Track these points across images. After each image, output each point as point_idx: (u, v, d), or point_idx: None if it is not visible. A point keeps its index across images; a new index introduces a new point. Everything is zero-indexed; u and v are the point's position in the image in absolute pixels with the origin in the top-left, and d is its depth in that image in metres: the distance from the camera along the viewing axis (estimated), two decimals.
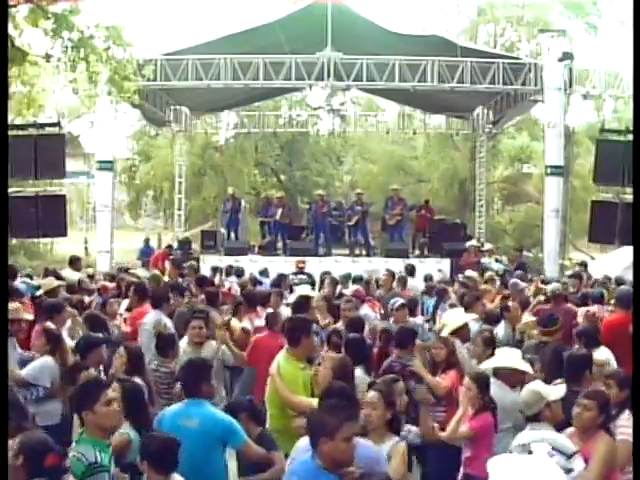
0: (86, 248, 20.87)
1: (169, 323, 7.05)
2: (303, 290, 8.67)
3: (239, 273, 12.40)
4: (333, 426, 3.38)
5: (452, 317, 6.77)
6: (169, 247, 17.53)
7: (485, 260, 15.35)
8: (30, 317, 6.60)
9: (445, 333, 6.24)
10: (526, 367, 5.32)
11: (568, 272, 13.53)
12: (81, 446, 3.79)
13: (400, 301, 7.87)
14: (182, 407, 4.57)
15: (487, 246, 17.43)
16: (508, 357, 5.39)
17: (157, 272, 11.05)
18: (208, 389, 4.64)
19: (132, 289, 8.36)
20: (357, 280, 10.37)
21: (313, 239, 18.33)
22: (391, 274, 10.83)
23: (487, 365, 5.40)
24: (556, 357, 5.77)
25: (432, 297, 10.04)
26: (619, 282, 10.02)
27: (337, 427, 3.37)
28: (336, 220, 18.46)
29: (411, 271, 12.26)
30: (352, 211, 18.14)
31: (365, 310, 8.31)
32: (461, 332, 6.41)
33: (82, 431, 3.92)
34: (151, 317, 7.13)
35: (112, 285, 9.82)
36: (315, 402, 4.66)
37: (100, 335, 6.10)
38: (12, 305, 6.44)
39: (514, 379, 5.20)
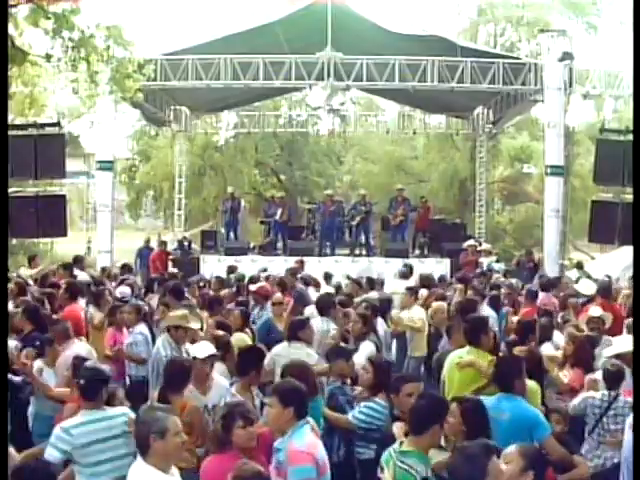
0: (89, 248, 20.85)
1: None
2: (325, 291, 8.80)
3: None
4: None
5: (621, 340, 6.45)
6: (163, 244, 17.51)
7: (484, 260, 15.35)
8: (197, 326, 6.61)
9: (610, 354, 6.08)
10: None
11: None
12: (409, 458, 3.79)
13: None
14: (494, 401, 4.69)
15: (484, 246, 17.42)
16: (628, 341, 5.79)
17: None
18: (521, 385, 4.80)
19: (64, 288, 8.30)
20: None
21: (317, 239, 18.32)
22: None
23: (612, 351, 5.80)
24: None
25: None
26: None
27: None
28: (337, 220, 18.45)
29: (410, 271, 12.25)
30: (355, 211, 18.14)
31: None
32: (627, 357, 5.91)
33: (402, 442, 3.96)
34: (317, 324, 6.92)
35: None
36: None
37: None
38: (179, 312, 6.56)
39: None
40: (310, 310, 7.97)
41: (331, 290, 9.48)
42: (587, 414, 5.34)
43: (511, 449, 3.46)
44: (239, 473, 3.41)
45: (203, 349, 5.41)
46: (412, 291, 9.05)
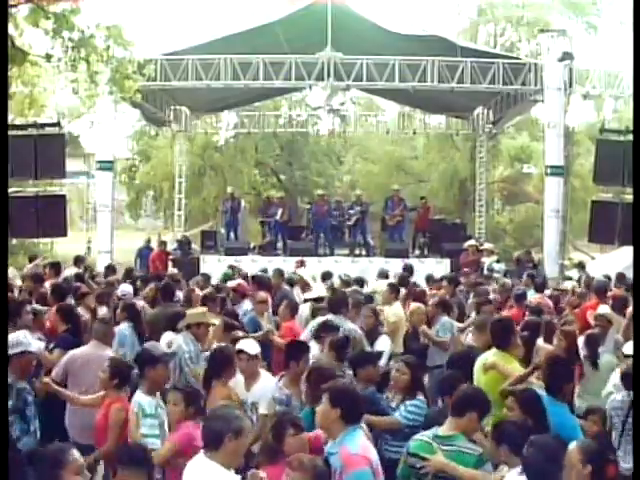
0: (89, 248, 20.84)
1: (359, 330, 6.97)
2: (318, 290, 8.76)
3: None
4: None
5: None
6: (163, 244, 17.49)
7: (485, 260, 15.34)
8: (216, 322, 6.71)
9: (629, 352, 6.06)
10: None
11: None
12: (457, 441, 4.01)
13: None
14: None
15: (486, 246, 17.40)
16: None
17: None
18: (569, 390, 4.81)
19: (51, 287, 8.30)
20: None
21: (313, 239, 18.36)
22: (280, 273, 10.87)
23: (630, 348, 5.71)
24: None
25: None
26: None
27: None
28: (336, 220, 18.49)
29: (409, 271, 12.26)
30: (352, 211, 18.18)
31: (246, 305, 8.51)
32: None
33: (446, 429, 4.09)
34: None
35: None
36: None
37: None
38: (199, 309, 6.69)
39: None
40: (301, 310, 8.06)
41: (323, 290, 9.40)
42: (611, 415, 5.29)
43: (572, 445, 3.50)
44: (298, 464, 3.42)
45: (252, 346, 5.53)
46: (393, 288, 8.98)
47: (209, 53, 16.36)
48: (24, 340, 5.09)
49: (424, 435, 4.11)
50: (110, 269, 12.06)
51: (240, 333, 6.66)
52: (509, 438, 3.91)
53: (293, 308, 7.82)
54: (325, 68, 16.14)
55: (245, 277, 10.95)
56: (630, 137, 11.42)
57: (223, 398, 5.05)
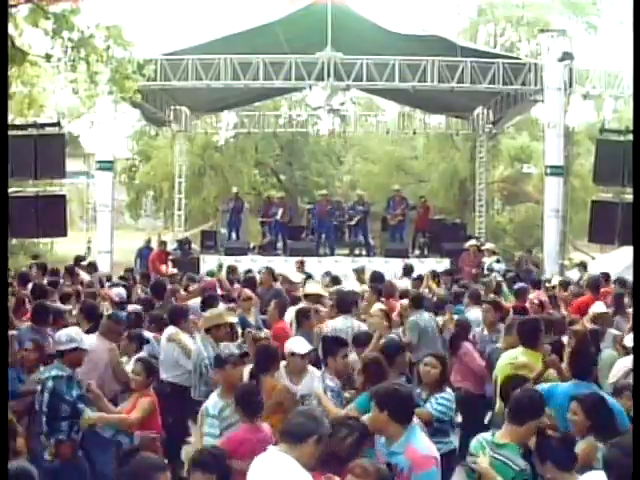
0: (89, 248, 20.83)
1: (364, 327, 7.01)
2: (312, 288, 8.76)
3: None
4: None
5: None
6: (163, 244, 17.49)
7: (486, 260, 15.32)
8: (234, 320, 6.72)
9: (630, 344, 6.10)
10: None
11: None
12: (506, 451, 3.92)
13: None
14: (572, 387, 4.71)
15: (488, 245, 17.38)
16: None
17: None
18: (595, 375, 4.95)
19: (30, 289, 8.38)
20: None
21: (315, 239, 18.37)
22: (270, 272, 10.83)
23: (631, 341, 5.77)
24: None
25: None
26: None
27: None
28: (336, 220, 18.49)
29: (409, 271, 12.28)
30: (354, 211, 18.20)
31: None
32: None
33: (502, 435, 4.01)
34: (339, 323, 7.00)
35: None
36: None
37: None
38: (216, 310, 6.68)
39: None
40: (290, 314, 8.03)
41: (317, 288, 9.34)
42: None
43: None
44: (362, 470, 3.39)
45: (302, 345, 5.66)
46: (374, 289, 8.97)
47: (209, 53, 16.36)
48: (76, 337, 5.28)
49: (485, 436, 4.13)
50: (91, 267, 12.05)
51: (262, 334, 6.75)
52: (554, 454, 3.81)
53: (282, 308, 7.76)
54: (325, 68, 16.14)
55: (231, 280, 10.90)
56: (630, 137, 11.41)
57: (280, 390, 5.21)
